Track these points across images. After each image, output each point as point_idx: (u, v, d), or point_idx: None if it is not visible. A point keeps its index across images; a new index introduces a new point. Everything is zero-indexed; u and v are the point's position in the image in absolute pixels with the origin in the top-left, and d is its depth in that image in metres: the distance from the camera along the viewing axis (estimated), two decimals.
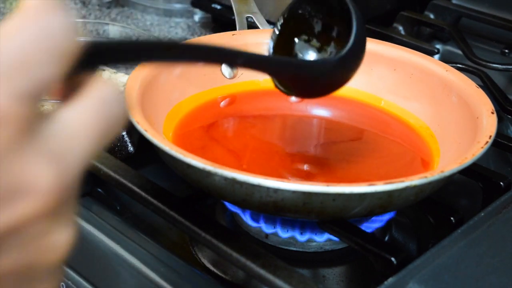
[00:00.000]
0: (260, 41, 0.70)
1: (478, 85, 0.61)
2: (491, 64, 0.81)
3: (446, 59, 0.67)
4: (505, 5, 0.92)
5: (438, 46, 0.88)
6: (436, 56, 0.68)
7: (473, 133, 0.54)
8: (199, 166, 0.46)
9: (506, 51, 0.88)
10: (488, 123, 0.54)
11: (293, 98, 0.69)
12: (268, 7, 0.82)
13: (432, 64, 0.64)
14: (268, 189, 0.46)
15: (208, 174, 0.46)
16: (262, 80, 0.70)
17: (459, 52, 0.86)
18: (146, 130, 0.50)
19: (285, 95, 0.69)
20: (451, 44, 0.93)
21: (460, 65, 0.77)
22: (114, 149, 0.63)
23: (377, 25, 0.89)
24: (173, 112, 0.62)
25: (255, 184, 0.45)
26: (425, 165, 0.58)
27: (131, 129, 0.64)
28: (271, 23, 0.72)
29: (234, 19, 0.70)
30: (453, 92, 0.61)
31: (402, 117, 0.65)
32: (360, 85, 0.69)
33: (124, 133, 0.64)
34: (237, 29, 0.70)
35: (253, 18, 0.71)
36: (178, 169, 0.51)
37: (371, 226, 0.55)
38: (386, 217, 0.56)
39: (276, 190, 0.46)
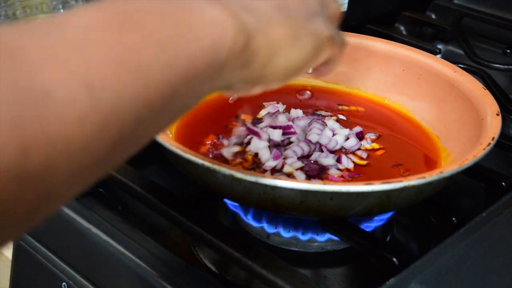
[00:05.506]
0: None
1: None
2: (493, 64, 0.81)
3: (448, 59, 0.67)
4: (507, 5, 0.92)
5: (440, 46, 0.88)
6: (438, 56, 0.68)
7: (477, 134, 0.54)
8: (198, 162, 0.46)
9: (508, 51, 0.88)
10: (492, 125, 0.54)
11: (302, 95, 0.70)
12: None
13: (441, 66, 0.65)
14: (266, 186, 0.46)
15: (207, 170, 0.47)
16: None
17: (461, 52, 0.86)
18: None
19: (293, 92, 0.70)
20: (453, 44, 0.93)
21: (462, 65, 0.77)
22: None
23: (379, 25, 0.89)
24: None
25: (253, 181, 0.45)
26: (433, 164, 0.58)
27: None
28: None
29: None
30: (460, 93, 0.61)
31: (410, 116, 0.65)
32: (369, 85, 0.69)
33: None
34: None
35: None
36: (179, 165, 0.51)
37: (370, 225, 0.55)
38: (386, 216, 0.56)
39: (274, 188, 0.46)
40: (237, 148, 0.58)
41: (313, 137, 0.59)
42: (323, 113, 0.66)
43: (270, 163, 0.55)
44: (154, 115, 0.32)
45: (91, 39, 0.29)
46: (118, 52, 0.29)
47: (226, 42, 0.35)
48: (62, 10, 0.88)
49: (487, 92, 0.59)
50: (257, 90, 0.43)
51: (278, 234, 0.55)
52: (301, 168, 0.55)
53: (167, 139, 0.49)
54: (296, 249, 0.56)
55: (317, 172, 0.55)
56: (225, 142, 0.59)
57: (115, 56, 0.29)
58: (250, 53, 0.38)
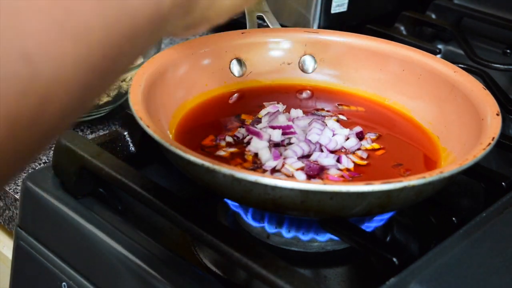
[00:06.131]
0: (269, 40, 0.70)
1: None
2: (492, 64, 0.81)
3: (448, 59, 0.67)
4: (507, 5, 0.92)
5: (440, 46, 0.89)
6: (438, 56, 0.68)
7: (477, 134, 0.54)
8: (198, 162, 0.46)
9: (508, 51, 0.88)
10: (492, 125, 0.54)
11: (302, 95, 0.70)
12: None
13: (441, 65, 0.64)
14: (266, 186, 0.46)
15: (207, 170, 0.46)
16: (270, 80, 0.70)
17: (461, 52, 0.87)
18: (148, 126, 0.50)
19: (293, 92, 0.70)
20: (453, 44, 0.93)
21: (462, 65, 0.77)
22: (116, 149, 0.63)
23: (379, 25, 0.89)
24: (179, 110, 0.62)
25: (253, 181, 0.45)
26: (433, 164, 0.58)
27: (133, 129, 0.64)
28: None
29: (235, 19, 0.70)
30: (460, 93, 0.61)
31: (410, 116, 0.65)
32: (368, 85, 0.69)
33: (125, 133, 0.64)
34: (247, 27, 0.70)
35: (264, 17, 0.71)
36: (179, 165, 0.51)
37: (371, 225, 0.55)
38: (386, 216, 0.56)
39: (274, 188, 0.46)
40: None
41: (313, 137, 0.59)
42: (323, 113, 0.66)
43: (270, 163, 0.55)
44: (100, 78, 0.30)
45: (26, 4, 0.27)
46: (56, 16, 0.28)
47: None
48: None
49: (487, 92, 0.59)
50: (201, 30, 0.41)
51: (278, 234, 0.55)
52: (301, 168, 0.55)
53: (167, 139, 0.49)
54: (296, 249, 0.56)
55: (317, 172, 0.55)
56: (222, 142, 0.59)
57: (53, 21, 0.27)
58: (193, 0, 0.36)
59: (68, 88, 0.28)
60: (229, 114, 0.65)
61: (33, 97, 0.27)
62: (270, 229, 0.55)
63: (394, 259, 0.47)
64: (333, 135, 0.60)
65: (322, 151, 0.58)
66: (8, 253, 0.74)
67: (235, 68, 0.69)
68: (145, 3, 0.32)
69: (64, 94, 0.28)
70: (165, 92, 0.61)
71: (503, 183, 0.57)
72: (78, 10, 0.28)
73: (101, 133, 0.76)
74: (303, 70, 0.71)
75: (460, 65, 0.70)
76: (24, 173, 0.68)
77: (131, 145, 0.64)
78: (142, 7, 0.32)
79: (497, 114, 0.56)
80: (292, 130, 0.60)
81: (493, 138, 0.52)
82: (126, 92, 0.77)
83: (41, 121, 0.28)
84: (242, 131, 0.61)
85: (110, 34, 0.30)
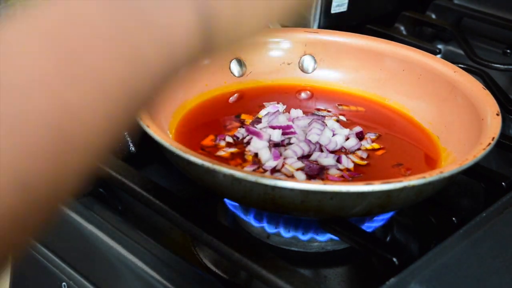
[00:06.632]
0: (269, 40, 0.70)
1: None
2: (492, 64, 0.81)
3: (448, 59, 0.67)
4: (507, 5, 0.92)
5: (439, 46, 0.89)
6: (438, 56, 0.68)
7: (477, 134, 0.54)
8: (198, 162, 0.46)
9: (508, 51, 0.88)
10: (492, 125, 0.54)
11: (302, 95, 0.70)
12: None
13: (441, 65, 0.65)
14: (266, 186, 0.46)
15: (207, 170, 0.46)
16: (270, 80, 0.70)
17: (461, 52, 0.87)
18: (148, 126, 0.50)
19: (293, 92, 0.70)
20: (453, 44, 0.93)
21: (461, 65, 0.77)
22: (116, 149, 0.63)
23: (379, 25, 0.89)
24: (179, 110, 0.62)
25: (253, 181, 0.45)
26: (433, 164, 0.58)
27: (133, 129, 0.64)
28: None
29: None
30: (460, 93, 0.61)
31: (410, 116, 0.65)
32: (368, 85, 0.69)
33: (125, 133, 0.64)
34: None
35: None
36: (179, 165, 0.51)
37: (371, 225, 0.55)
38: (386, 216, 0.56)
39: (274, 188, 0.46)
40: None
41: (313, 137, 0.59)
42: (323, 113, 0.66)
43: (270, 163, 0.55)
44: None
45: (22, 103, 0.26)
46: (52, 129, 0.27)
47: (181, 43, 0.33)
48: None
49: (487, 92, 0.59)
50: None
51: (278, 234, 0.55)
52: (301, 168, 0.55)
53: (167, 139, 0.49)
54: (296, 249, 0.56)
55: (317, 172, 0.55)
56: (222, 142, 0.59)
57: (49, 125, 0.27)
58: (215, 32, 0.35)
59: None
60: (229, 114, 0.65)
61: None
62: (270, 229, 0.55)
63: (394, 259, 0.47)
64: (333, 135, 0.60)
65: (322, 151, 0.58)
66: None
67: (235, 68, 0.69)
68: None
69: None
70: (165, 92, 0.60)
71: (503, 183, 0.57)
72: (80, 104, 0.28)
73: None
74: (303, 70, 0.71)
75: (460, 65, 0.70)
76: None
77: (131, 145, 0.64)
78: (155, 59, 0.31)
79: (497, 114, 0.56)
80: (292, 130, 0.60)
81: (493, 138, 0.52)
82: None
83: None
84: (242, 131, 0.61)
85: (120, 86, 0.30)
